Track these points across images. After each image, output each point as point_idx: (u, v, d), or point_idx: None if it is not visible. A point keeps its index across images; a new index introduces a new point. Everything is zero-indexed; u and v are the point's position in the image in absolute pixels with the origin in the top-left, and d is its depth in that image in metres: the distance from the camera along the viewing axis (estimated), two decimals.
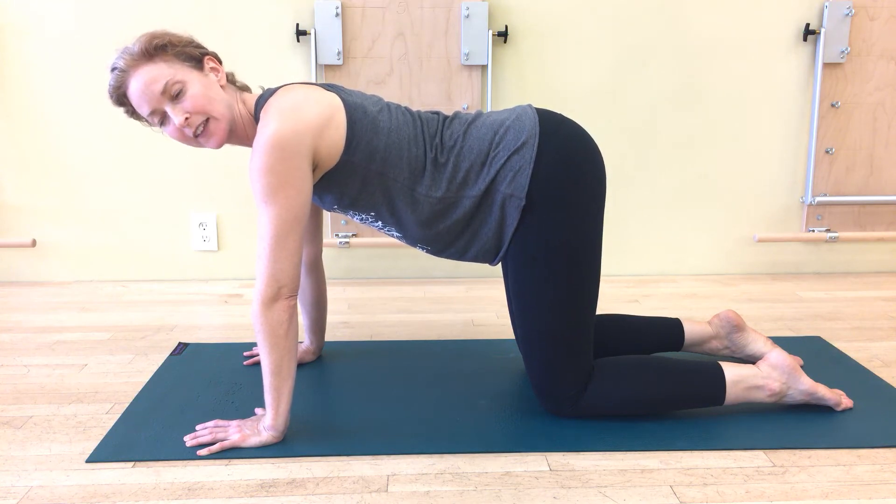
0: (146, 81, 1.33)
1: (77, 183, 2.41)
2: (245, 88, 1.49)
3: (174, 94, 1.34)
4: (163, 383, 1.63)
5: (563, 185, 1.38)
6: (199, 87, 1.35)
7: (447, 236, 1.45)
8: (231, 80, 1.46)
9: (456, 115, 1.47)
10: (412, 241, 1.49)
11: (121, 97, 1.37)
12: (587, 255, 1.41)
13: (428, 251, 1.51)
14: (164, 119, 1.37)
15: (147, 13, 2.29)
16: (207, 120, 1.37)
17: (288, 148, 1.29)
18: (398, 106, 1.46)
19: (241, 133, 1.44)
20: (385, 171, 1.39)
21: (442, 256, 1.52)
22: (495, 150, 1.40)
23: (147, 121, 1.40)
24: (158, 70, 1.33)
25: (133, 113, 1.40)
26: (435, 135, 1.42)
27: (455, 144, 1.41)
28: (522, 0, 2.34)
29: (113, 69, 1.35)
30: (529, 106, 1.46)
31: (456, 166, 1.40)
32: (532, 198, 1.38)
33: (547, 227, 1.38)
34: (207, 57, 1.40)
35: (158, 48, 1.34)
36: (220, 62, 1.43)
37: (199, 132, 1.37)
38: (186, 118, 1.34)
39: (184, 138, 1.38)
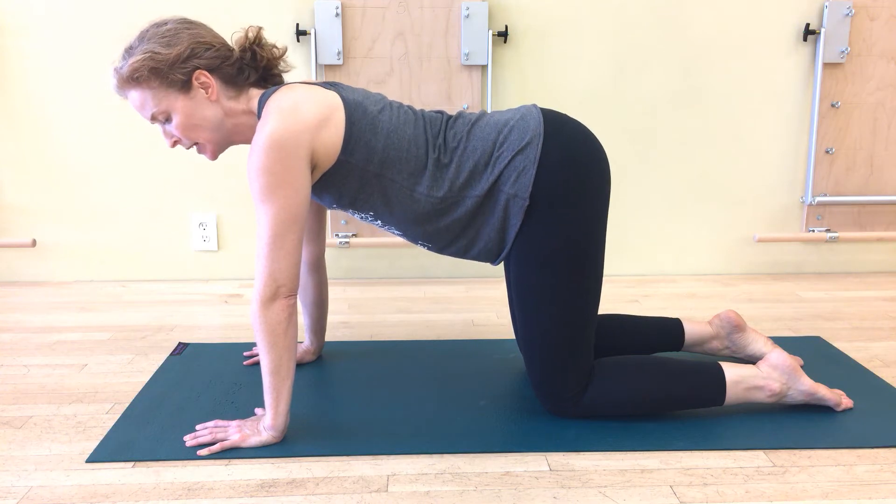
0: (136, 105, 1.39)
1: (77, 183, 2.41)
2: (271, 66, 1.45)
3: (163, 121, 1.39)
4: (163, 383, 1.63)
5: (568, 186, 1.38)
6: (183, 116, 1.37)
7: (447, 234, 1.45)
8: (234, 74, 1.40)
9: (459, 114, 1.47)
10: (413, 238, 1.49)
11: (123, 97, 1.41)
12: (591, 255, 1.40)
13: (429, 248, 1.51)
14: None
15: (146, 13, 2.29)
16: (195, 143, 1.43)
17: (286, 148, 1.29)
18: (401, 105, 1.46)
19: (241, 136, 1.45)
20: (383, 172, 1.39)
21: (444, 254, 1.51)
22: (499, 149, 1.39)
23: None
24: (144, 97, 1.36)
25: None
26: (438, 135, 1.42)
27: (458, 145, 1.41)
28: (522, 0, 2.34)
29: (111, 78, 1.38)
30: (534, 106, 1.46)
31: (459, 167, 1.40)
32: (536, 198, 1.37)
33: (551, 228, 1.38)
34: (197, 72, 1.35)
35: (140, 79, 1.34)
36: (212, 72, 1.37)
37: (191, 148, 1.44)
38: (175, 142, 1.42)
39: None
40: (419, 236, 1.47)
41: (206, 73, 1.37)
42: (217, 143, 1.43)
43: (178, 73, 1.34)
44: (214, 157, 1.46)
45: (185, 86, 1.36)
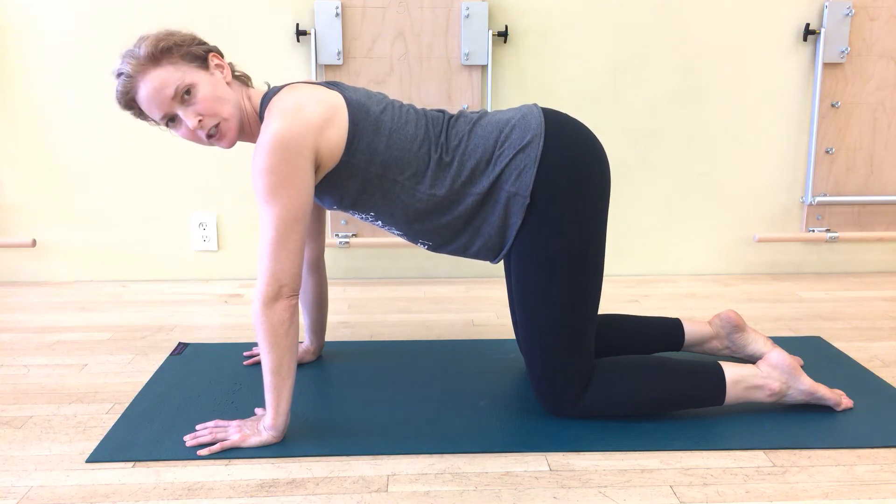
0: (156, 87, 1.32)
1: (77, 183, 2.41)
2: (245, 78, 1.48)
3: (184, 98, 1.34)
4: (163, 383, 1.63)
5: (568, 185, 1.38)
6: (209, 88, 1.35)
7: (447, 231, 1.45)
8: (234, 74, 1.45)
9: (461, 114, 1.47)
10: (413, 237, 1.49)
11: (129, 102, 1.36)
12: (591, 254, 1.41)
13: (429, 247, 1.51)
14: (174, 121, 1.37)
15: (146, 14, 2.29)
16: (219, 122, 1.37)
17: (290, 148, 1.29)
18: (402, 104, 1.46)
19: (247, 130, 1.45)
20: (385, 172, 1.39)
21: (443, 252, 1.51)
22: (500, 148, 1.40)
23: (157, 122, 1.39)
24: (167, 74, 1.32)
25: (141, 114, 1.39)
26: (440, 134, 1.42)
27: (460, 143, 1.41)
28: (522, 0, 2.34)
29: (119, 74, 1.34)
30: (535, 105, 1.46)
31: (461, 165, 1.40)
32: (536, 197, 1.38)
33: (551, 227, 1.38)
34: (212, 54, 1.39)
35: (164, 51, 1.32)
36: (223, 56, 1.43)
37: (211, 133, 1.38)
38: (199, 120, 1.35)
39: (196, 139, 1.39)
40: (419, 234, 1.47)
41: (217, 55, 1.39)
42: (238, 121, 1.39)
43: (198, 48, 1.36)
44: (233, 140, 1.40)
45: (204, 63, 1.37)
